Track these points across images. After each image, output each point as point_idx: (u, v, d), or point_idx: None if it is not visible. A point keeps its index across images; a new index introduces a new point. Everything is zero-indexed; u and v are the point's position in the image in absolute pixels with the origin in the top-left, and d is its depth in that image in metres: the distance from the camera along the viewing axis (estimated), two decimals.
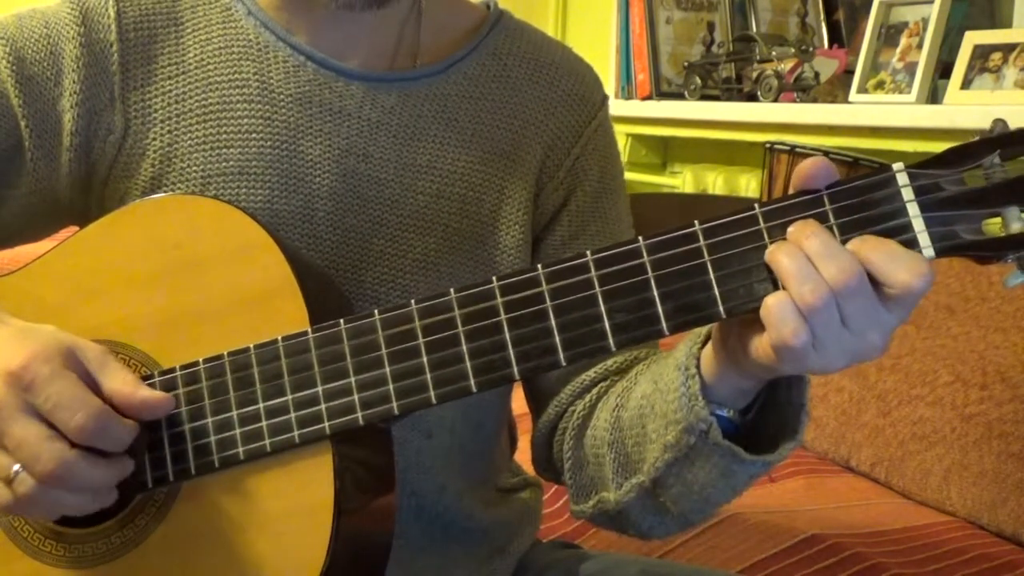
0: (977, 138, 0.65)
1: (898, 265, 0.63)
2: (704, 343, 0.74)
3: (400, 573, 0.82)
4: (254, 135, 0.86)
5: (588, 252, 0.69)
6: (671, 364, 0.76)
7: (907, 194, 0.64)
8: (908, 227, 0.64)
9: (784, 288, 0.64)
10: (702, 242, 0.67)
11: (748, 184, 2.35)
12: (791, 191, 0.67)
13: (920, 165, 0.65)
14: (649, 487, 0.79)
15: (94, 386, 0.70)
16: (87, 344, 0.71)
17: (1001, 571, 1.28)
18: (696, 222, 0.67)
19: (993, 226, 0.64)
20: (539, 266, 0.70)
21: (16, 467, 0.67)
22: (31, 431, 0.67)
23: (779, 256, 0.65)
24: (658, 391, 0.77)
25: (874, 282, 0.64)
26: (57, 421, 0.67)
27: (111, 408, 0.70)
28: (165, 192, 0.86)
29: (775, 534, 1.32)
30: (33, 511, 0.70)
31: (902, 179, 0.65)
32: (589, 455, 0.86)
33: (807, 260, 0.64)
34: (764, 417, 0.76)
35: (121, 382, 0.71)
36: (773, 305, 0.64)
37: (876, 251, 0.63)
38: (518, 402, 0.99)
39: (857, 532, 1.35)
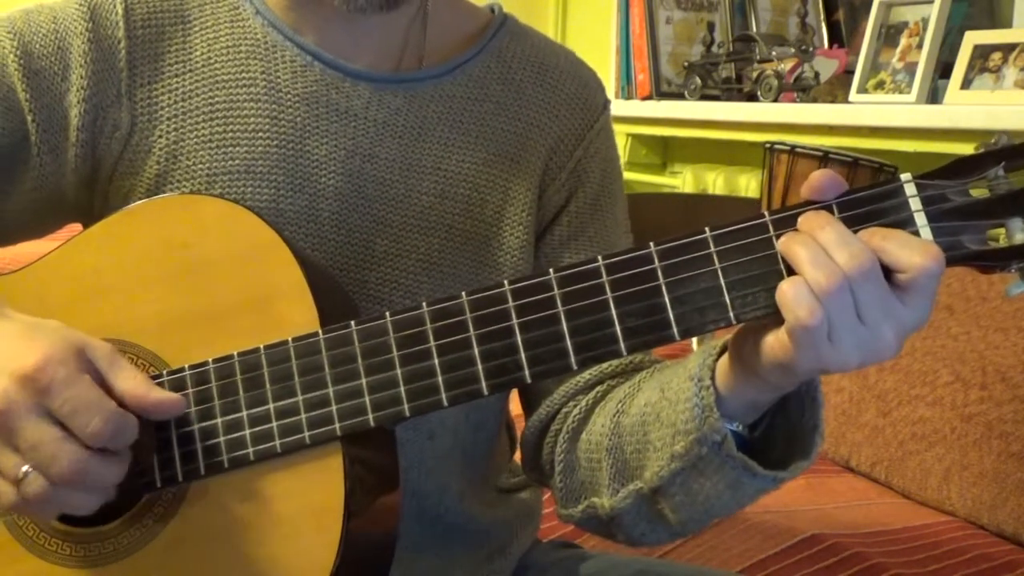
0: (982, 150, 0.66)
1: (911, 249, 0.64)
2: (719, 356, 0.74)
3: (401, 574, 0.82)
4: (260, 134, 0.86)
5: (599, 257, 0.69)
6: (682, 374, 0.76)
7: (915, 204, 0.65)
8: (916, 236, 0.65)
9: (799, 275, 0.65)
10: (712, 248, 0.67)
11: (748, 184, 2.35)
12: (801, 199, 0.68)
13: (927, 176, 0.66)
14: (648, 495, 0.79)
15: (105, 386, 0.70)
16: (96, 343, 0.71)
17: (1001, 571, 1.29)
18: (707, 228, 0.68)
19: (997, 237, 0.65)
20: (551, 271, 0.70)
21: (25, 468, 0.67)
22: (47, 433, 0.67)
23: (793, 245, 0.65)
24: (666, 400, 0.77)
25: (887, 272, 0.64)
26: (74, 426, 0.67)
27: (122, 408, 0.69)
28: (170, 190, 0.86)
29: (775, 534, 1.33)
30: (38, 510, 0.70)
31: (910, 189, 0.66)
32: (582, 459, 0.85)
33: (820, 248, 0.64)
34: (772, 436, 0.76)
35: (133, 382, 0.70)
36: (788, 289, 0.64)
37: (887, 239, 0.64)
38: (515, 403, 0.99)
39: (857, 532, 1.35)
